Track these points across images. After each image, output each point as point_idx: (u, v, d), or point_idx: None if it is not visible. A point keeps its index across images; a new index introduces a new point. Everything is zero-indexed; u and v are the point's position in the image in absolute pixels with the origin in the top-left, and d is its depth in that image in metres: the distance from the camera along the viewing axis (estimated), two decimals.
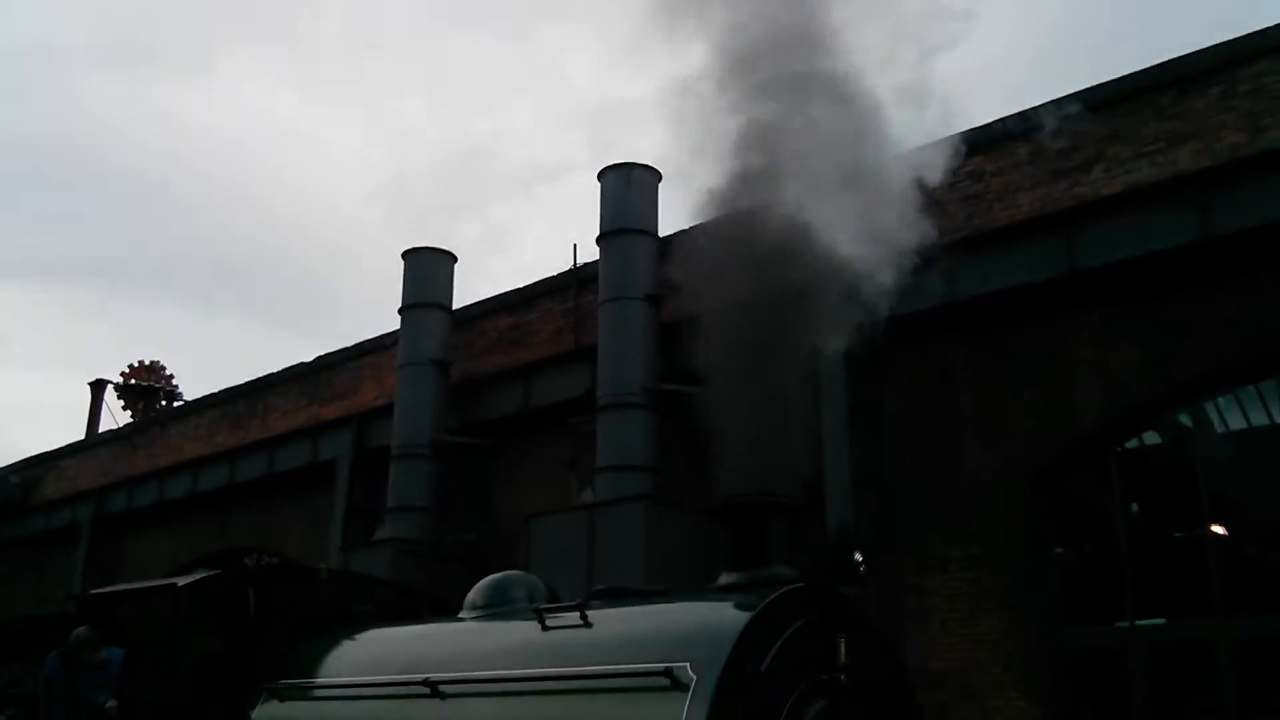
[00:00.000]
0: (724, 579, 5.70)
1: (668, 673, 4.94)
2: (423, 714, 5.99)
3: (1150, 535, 12.81)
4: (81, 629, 8.17)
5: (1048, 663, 11.82)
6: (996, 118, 13.07)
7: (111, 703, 7.72)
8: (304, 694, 6.98)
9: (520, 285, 18.16)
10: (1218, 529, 11.87)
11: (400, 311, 18.12)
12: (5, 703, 10.75)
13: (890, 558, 12.82)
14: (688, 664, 4.94)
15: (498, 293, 18.56)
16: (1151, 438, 12.84)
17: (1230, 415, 12.28)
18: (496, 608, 6.91)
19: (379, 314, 67.53)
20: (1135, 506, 12.75)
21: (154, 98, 76.45)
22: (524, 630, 6.18)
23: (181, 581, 7.75)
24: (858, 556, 5.30)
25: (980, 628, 12.15)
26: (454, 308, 18.30)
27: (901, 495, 13.01)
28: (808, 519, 5.96)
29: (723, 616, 5.27)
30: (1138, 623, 11.77)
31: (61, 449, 28.06)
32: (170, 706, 7.30)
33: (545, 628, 6.02)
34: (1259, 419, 12.07)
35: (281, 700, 7.01)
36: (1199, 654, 11.49)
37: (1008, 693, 11.90)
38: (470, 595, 7.20)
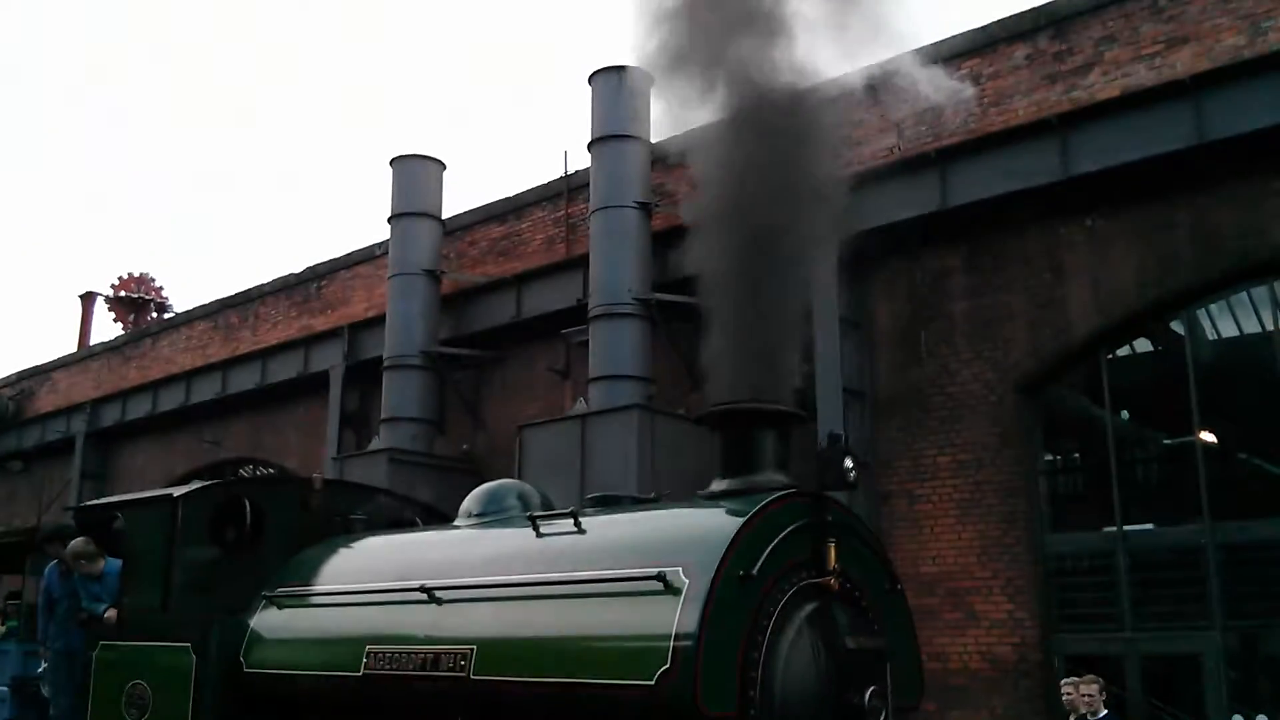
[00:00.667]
0: (716, 485, 5.72)
1: (661, 577, 4.99)
2: (420, 620, 6.05)
3: (1139, 442, 12.93)
4: (78, 540, 8.22)
5: (1034, 568, 12.00)
6: (992, 19, 12.89)
7: (110, 612, 7.79)
8: (302, 601, 7.05)
9: (511, 194, 18.02)
10: (1207, 436, 11.97)
11: (389, 220, 17.97)
12: (6, 614, 10.89)
13: (881, 465, 12.95)
14: (680, 568, 5.00)
15: (488, 201, 18.42)
16: (1143, 345, 12.88)
17: (1222, 322, 12.31)
18: (491, 515, 6.97)
19: (371, 227, 67.02)
20: (1125, 414, 12.83)
21: None
22: (519, 537, 6.24)
23: (178, 492, 7.77)
24: (848, 463, 5.33)
25: (968, 533, 12.31)
26: (444, 217, 18.15)
27: (892, 404, 13.09)
28: (799, 427, 5.96)
29: (715, 522, 5.31)
30: (1125, 528, 11.93)
31: (53, 362, 28.02)
32: (168, 616, 7.37)
33: (540, 534, 6.08)
34: (1250, 326, 12.10)
35: (280, 608, 7.09)
36: (1185, 559, 11.66)
37: (995, 597, 12.11)
38: (465, 503, 7.24)
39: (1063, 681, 10.09)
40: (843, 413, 12.34)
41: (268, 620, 7.07)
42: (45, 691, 8.55)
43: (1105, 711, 9.52)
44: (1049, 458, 12.91)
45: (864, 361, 13.25)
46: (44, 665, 8.56)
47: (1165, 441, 12.83)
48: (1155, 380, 12.94)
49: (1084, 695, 9.49)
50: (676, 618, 4.85)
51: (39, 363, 28.48)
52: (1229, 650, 11.13)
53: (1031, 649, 11.82)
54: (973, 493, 12.38)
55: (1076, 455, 13.40)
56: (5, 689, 9.71)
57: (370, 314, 18.95)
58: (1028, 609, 11.88)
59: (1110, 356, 12.54)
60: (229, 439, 22.21)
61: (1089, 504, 12.75)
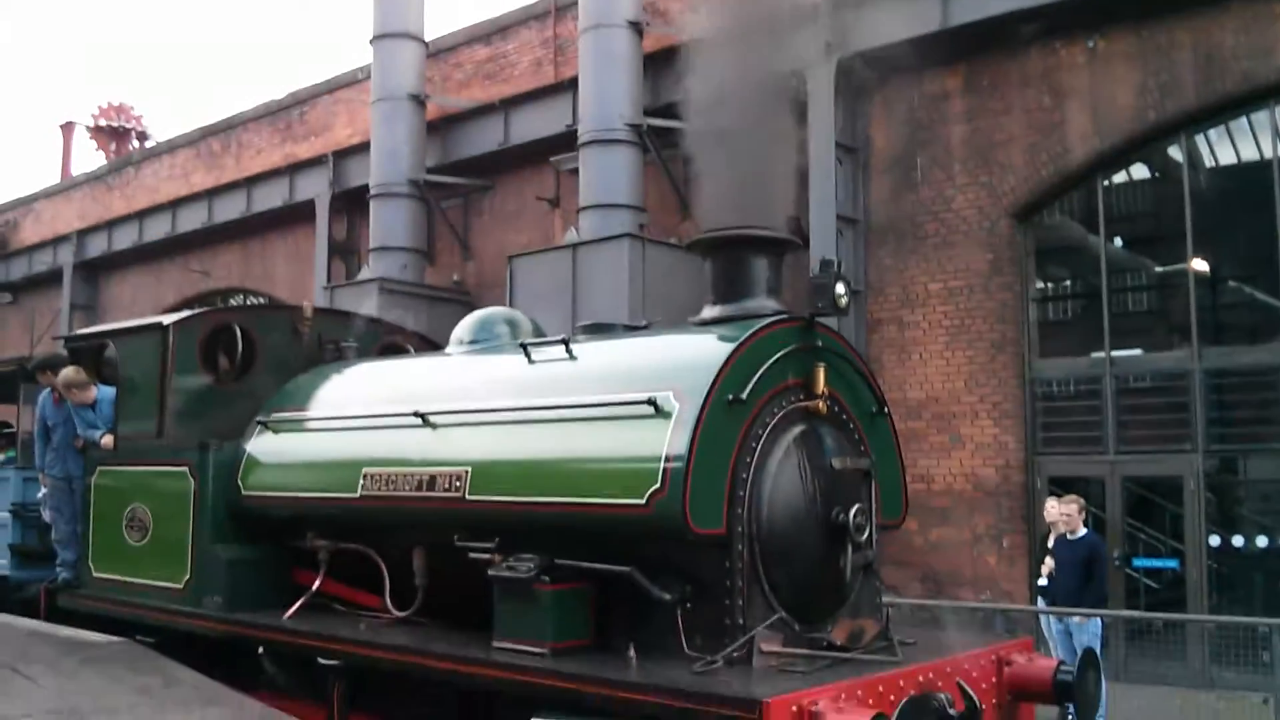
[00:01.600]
0: (707, 312, 5.71)
1: (652, 402, 5.02)
2: (415, 444, 6.12)
3: (1131, 269, 12.92)
4: (69, 369, 8.22)
5: (1021, 392, 12.15)
6: None
7: (106, 438, 7.86)
8: (297, 427, 7.11)
9: (496, 13, 17.44)
10: (1199, 264, 11.95)
11: (371, 42, 17.42)
12: (3, 443, 11.00)
13: (872, 292, 12.96)
14: (671, 393, 5.02)
15: (473, 22, 17.84)
16: (1140, 172, 12.73)
17: (1220, 148, 12.14)
18: (483, 343, 6.97)
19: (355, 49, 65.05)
20: (1119, 241, 12.78)
21: None
22: (511, 364, 6.25)
23: (168, 320, 7.75)
24: (840, 288, 5.30)
25: (957, 358, 12.42)
26: (428, 39, 17.60)
27: (885, 231, 13.01)
28: (792, 253, 5.91)
29: (705, 347, 5.32)
30: (1113, 354, 12.03)
31: (37, 193, 27.63)
32: (164, 441, 7.44)
33: (531, 361, 6.09)
34: (1249, 153, 11.93)
35: (275, 433, 7.15)
36: (1171, 384, 11.80)
37: (981, 421, 12.30)
38: (456, 331, 7.23)
39: (1048, 500, 10.34)
40: (835, 240, 12.26)
41: (263, 445, 7.14)
42: (46, 516, 8.69)
43: (1084, 531, 9.79)
44: (1040, 285, 12.90)
45: (858, 188, 13.10)
46: (43, 491, 8.68)
47: (1157, 269, 12.83)
48: (1151, 207, 12.85)
49: (1064, 514, 9.73)
50: (667, 440, 4.90)
51: (22, 194, 28.09)
52: (1209, 474, 11.39)
53: (1015, 471, 12.08)
54: (963, 319, 12.43)
55: (1068, 282, 13.41)
56: (7, 514, 9.89)
57: (355, 140, 18.59)
58: (1013, 432, 12.09)
59: (1107, 183, 12.41)
60: (218, 269, 22.11)
61: (1078, 331, 12.85)
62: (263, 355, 7.99)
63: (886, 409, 6.03)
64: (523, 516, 5.41)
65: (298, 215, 19.71)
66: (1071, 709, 8.76)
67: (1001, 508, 12.13)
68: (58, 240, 25.84)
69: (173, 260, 23.14)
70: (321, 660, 6.14)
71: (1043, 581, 10.02)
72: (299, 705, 6.37)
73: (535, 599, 5.18)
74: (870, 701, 4.55)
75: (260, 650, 6.59)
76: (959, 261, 12.50)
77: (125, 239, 23.87)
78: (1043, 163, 12.17)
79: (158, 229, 22.94)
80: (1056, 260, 13.12)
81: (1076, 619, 9.36)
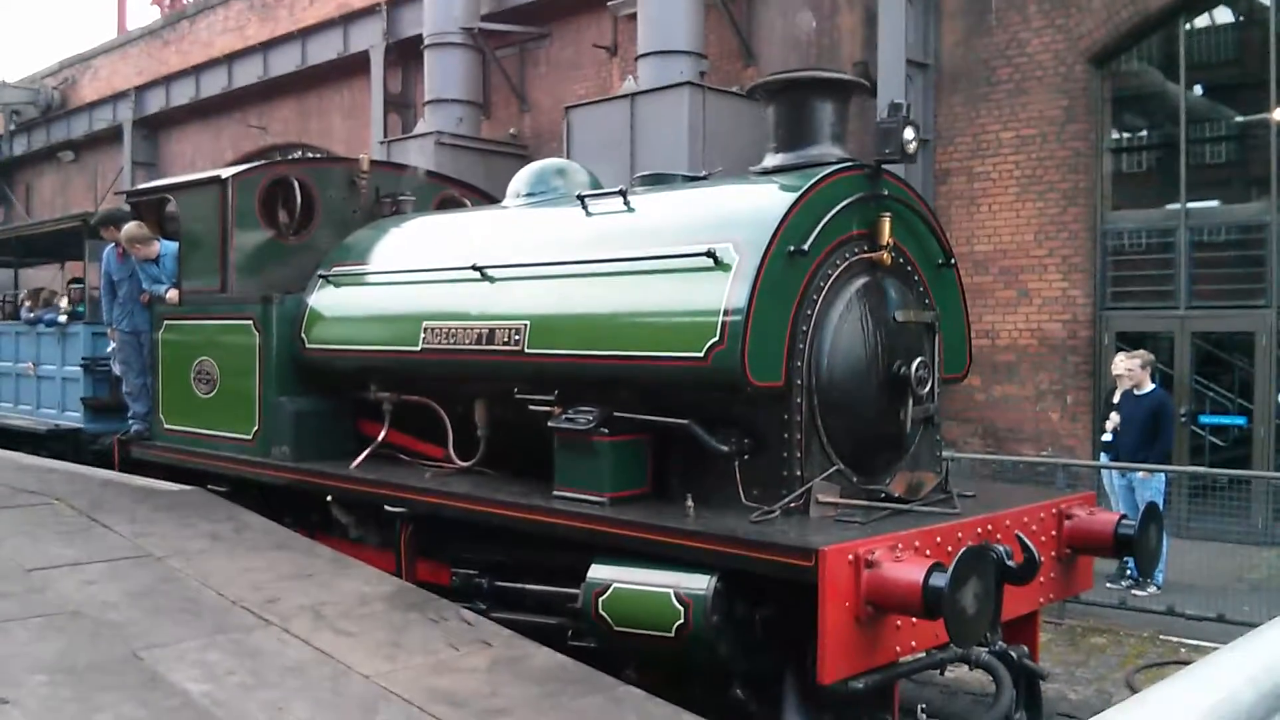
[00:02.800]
0: (769, 161, 5.55)
1: (711, 254, 4.93)
2: (474, 298, 6.11)
3: (1211, 119, 12.38)
4: (131, 224, 8.27)
5: (1092, 245, 11.84)
6: None
7: (171, 292, 7.95)
8: (358, 280, 7.12)
9: None
10: None
11: None
12: (72, 298, 11.18)
13: (941, 141, 12.59)
14: (730, 244, 4.93)
15: None
16: (1223, 16, 12.09)
17: None
18: (540, 195, 6.87)
19: None
20: (1198, 89, 12.22)
21: None
22: (568, 217, 6.17)
23: (226, 173, 7.73)
24: (908, 134, 5.10)
25: (1027, 210, 12.10)
26: None
27: (957, 76, 12.55)
28: (858, 98, 5.70)
29: (767, 198, 5.18)
30: (1189, 205, 11.64)
31: (94, 50, 27.56)
32: (228, 295, 7.51)
33: (589, 214, 6.00)
34: None
35: (336, 287, 7.18)
36: (1247, 237, 11.42)
37: (1049, 275, 12.05)
38: (513, 183, 7.14)
39: (1115, 356, 10.16)
40: (904, 85, 11.85)
41: (325, 298, 7.18)
42: (115, 370, 8.88)
43: (1152, 386, 9.62)
44: (1115, 135, 12.43)
45: (929, 31, 12.60)
46: (112, 345, 8.84)
47: (1238, 119, 12.28)
48: (1233, 54, 12.22)
49: (1128, 368, 9.56)
50: (726, 293, 4.83)
51: (80, 51, 28.03)
52: None
53: (1082, 326, 11.86)
54: (1034, 169, 12.06)
55: (1144, 132, 12.90)
56: (78, 368, 10.11)
57: None
58: (1082, 287, 11.83)
59: (1188, 27, 11.81)
60: (275, 124, 22.05)
61: (1153, 182, 12.42)
62: (321, 209, 7.99)
63: (953, 261, 5.89)
64: (581, 370, 5.41)
65: (353, 68, 19.49)
66: (1131, 563, 8.81)
67: (1067, 364, 11.96)
68: (116, 97, 25.87)
69: (230, 116, 23.09)
70: (388, 508, 6.28)
71: (1107, 437, 9.91)
72: (366, 551, 6.55)
73: (594, 450, 5.21)
74: (927, 552, 4.55)
75: (329, 498, 6.75)
76: (1032, 109, 12.06)
77: (182, 94, 23.84)
78: (1121, 4, 11.58)
79: (214, 84, 22.86)
80: (1133, 109, 12.60)
81: (1140, 474, 9.27)
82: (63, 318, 10.64)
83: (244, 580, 5.59)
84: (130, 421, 8.57)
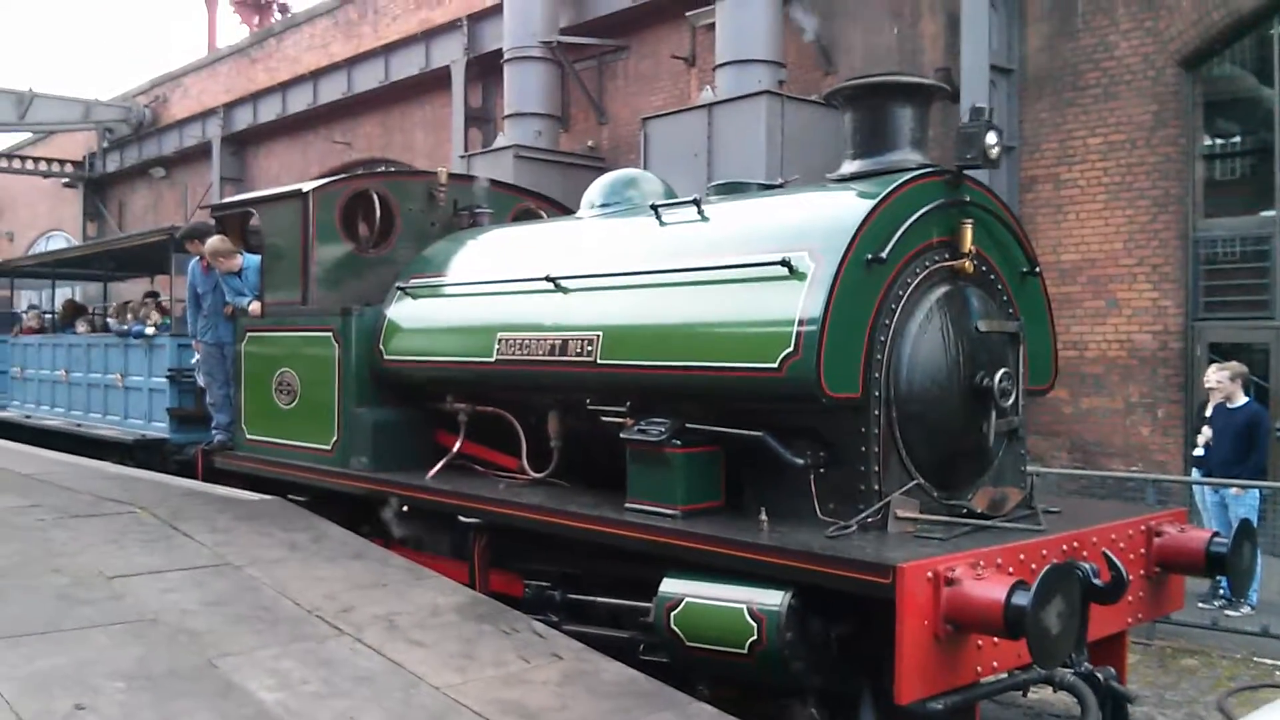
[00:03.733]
0: (847, 167, 5.45)
1: (786, 262, 4.85)
2: (547, 308, 6.10)
3: None
4: (215, 237, 8.43)
5: (1183, 254, 11.48)
6: None
7: (254, 305, 8.07)
8: (434, 292, 7.17)
9: None
10: None
11: None
12: (161, 309, 11.43)
13: (1026, 148, 12.32)
14: (806, 253, 4.84)
15: None
16: None
17: None
18: (614, 205, 6.85)
19: None
20: None
21: None
22: (642, 226, 6.14)
23: (307, 187, 7.85)
24: (991, 138, 4.98)
25: (1116, 218, 11.77)
26: None
27: (1042, 81, 12.27)
28: (940, 103, 5.57)
29: (844, 205, 5.09)
30: None
31: (184, 68, 28.29)
32: (309, 307, 7.60)
33: (663, 223, 5.96)
34: None
35: (414, 299, 7.23)
36: None
37: (1139, 285, 11.69)
38: (588, 194, 7.13)
39: (1208, 369, 9.83)
40: (988, 91, 11.61)
41: (403, 310, 7.23)
42: (200, 381, 9.05)
43: (1245, 399, 9.30)
44: (1207, 140, 12.05)
45: (1013, 35, 12.34)
46: (197, 357, 9.01)
47: None
48: None
49: (1218, 380, 9.25)
50: (801, 302, 4.75)
51: (171, 69, 28.81)
52: None
53: (1173, 337, 11.49)
54: (1123, 176, 11.72)
55: (1236, 138, 12.48)
56: (164, 380, 10.33)
57: (489, 3, 18.36)
58: (1173, 296, 11.47)
59: None
60: (359, 140, 22.40)
61: (1246, 189, 11.99)
62: (400, 222, 8.06)
63: (1038, 269, 5.73)
64: (654, 380, 5.35)
65: (435, 83, 19.72)
66: (1224, 582, 8.49)
67: (1157, 376, 11.59)
68: (205, 114, 26.49)
69: (316, 132, 23.51)
70: (463, 518, 6.29)
71: (1198, 451, 9.60)
72: (441, 561, 6.56)
73: (666, 462, 5.15)
74: (1010, 569, 4.41)
75: (405, 508, 6.78)
76: (1121, 114, 11.73)
77: (269, 111, 24.33)
78: (1213, 5, 11.22)
79: (300, 100, 23.29)
80: (1225, 114, 12.19)
81: (1233, 490, 8.95)
82: (150, 330, 10.87)
83: (319, 589, 5.62)
84: (214, 432, 8.72)
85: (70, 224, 32.17)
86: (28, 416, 13.61)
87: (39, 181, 32.70)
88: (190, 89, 27.70)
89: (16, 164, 31.49)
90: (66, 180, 31.58)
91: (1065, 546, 4.78)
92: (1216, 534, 5.42)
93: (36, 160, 31.49)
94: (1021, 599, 3.99)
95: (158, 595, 5.37)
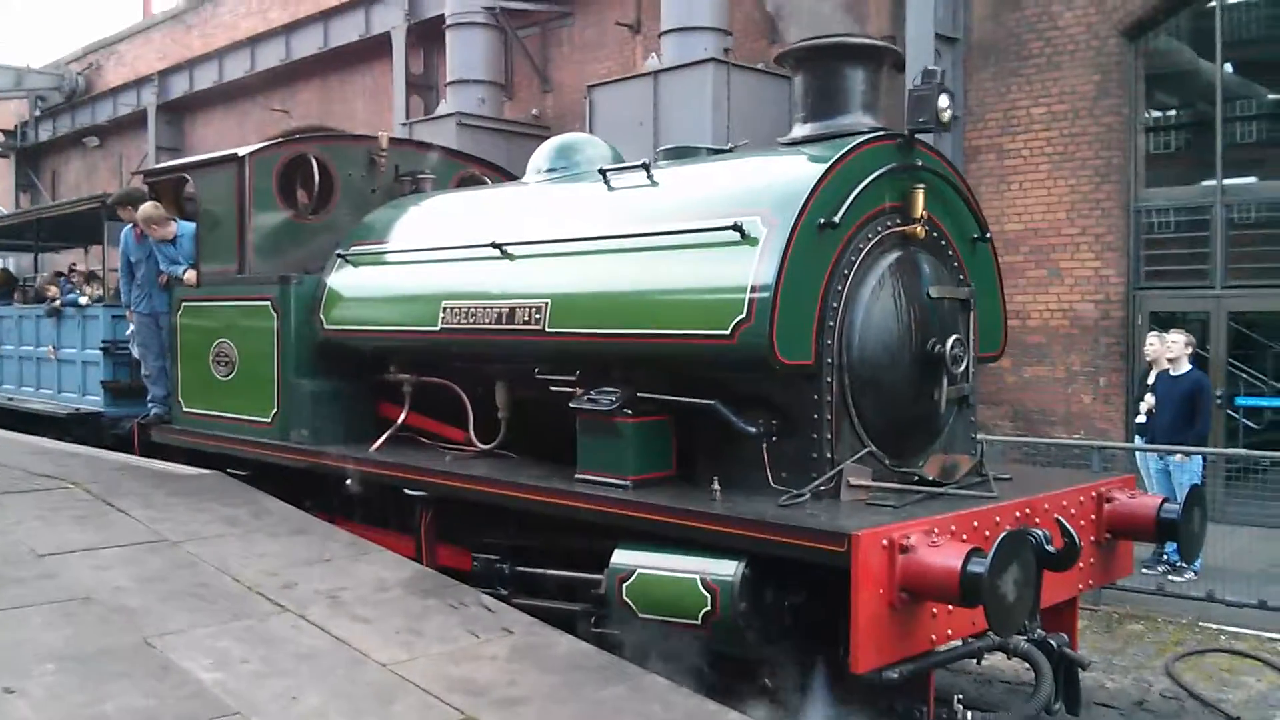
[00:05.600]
0: (797, 131, 5.36)
1: (737, 227, 4.76)
2: (493, 276, 5.95)
3: (1244, 97, 12.06)
4: (147, 204, 8.15)
5: (1125, 223, 11.58)
6: None
7: (189, 274, 7.84)
8: (376, 260, 6.98)
9: None
10: None
11: None
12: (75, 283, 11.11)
13: (971, 118, 12.34)
14: (758, 217, 4.75)
15: None
16: None
17: None
18: (561, 170, 6.71)
19: None
20: (1231, 66, 11.91)
21: None
22: (590, 192, 6.02)
23: (244, 151, 7.61)
24: (943, 100, 4.91)
25: (1059, 188, 11.85)
26: None
27: (986, 51, 12.29)
28: (890, 66, 5.49)
29: (795, 169, 5.00)
30: (1224, 182, 11.35)
31: (118, 35, 27.55)
32: (246, 276, 7.40)
33: (611, 188, 5.84)
34: None
35: (355, 267, 7.04)
36: None
37: (1082, 254, 11.80)
38: (534, 158, 6.97)
39: (1149, 335, 9.92)
40: (934, 61, 11.60)
41: (343, 279, 7.05)
42: (135, 353, 8.79)
43: (1188, 367, 9.39)
44: (1149, 111, 12.14)
45: (958, 4, 12.33)
46: (131, 328, 8.75)
47: (1271, 96, 11.95)
48: (1267, 31, 11.89)
49: (1171, 342, 9.33)
50: (753, 268, 4.66)
51: (105, 35, 28.03)
52: None
53: (1115, 306, 11.62)
54: (1066, 146, 11.80)
55: (1174, 111, 12.59)
56: (98, 352, 10.03)
57: None
58: (1115, 266, 11.58)
59: (1221, 2, 11.49)
60: (297, 108, 21.95)
61: (1187, 160, 12.14)
62: (340, 188, 7.86)
63: (989, 235, 5.70)
64: (604, 349, 5.24)
65: (375, 50, 19.36)
66: (1169, 548, 8.58)
67: (1099, 344, 11.72)
68: (140, 82, 25.86)
69: (254, 100, 23.02)
70: (408, 491, 6.15)
71: (1141, 419, 9.70)
72: (387, 534, 6.43)
73: (617, 431, 5.06)
74: (965, 536, 4.38)
75: (348, 482, 6.62)
76: (1064, 84, 11.79)
77: (206, 79, 23.79)
78: None
79: (237, 68, 22.80)
80: (1166, 86, 12.29)
81: (1176, 457, 9.04)
82: (84, 300, 10.57)
83: (260, 566, 5.47)
84: (150, 405, 8.48)
85: (2, 195, 31.27)
86: None
87: None
88: (125, 56, 27.01)
89: None
90: None
91: (1018, 513, 4.76)
92: (1166, 500, 5.45)
93: None
94: (978, 566, 3.95)
95: (91, 573, 5.19)
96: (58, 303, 10.87)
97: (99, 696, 3.82)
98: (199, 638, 4.47)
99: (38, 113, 29.62)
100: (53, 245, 14.56)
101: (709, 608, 4.38)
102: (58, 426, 10.32)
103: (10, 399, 11.66)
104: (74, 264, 12.76)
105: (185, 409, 7.91)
